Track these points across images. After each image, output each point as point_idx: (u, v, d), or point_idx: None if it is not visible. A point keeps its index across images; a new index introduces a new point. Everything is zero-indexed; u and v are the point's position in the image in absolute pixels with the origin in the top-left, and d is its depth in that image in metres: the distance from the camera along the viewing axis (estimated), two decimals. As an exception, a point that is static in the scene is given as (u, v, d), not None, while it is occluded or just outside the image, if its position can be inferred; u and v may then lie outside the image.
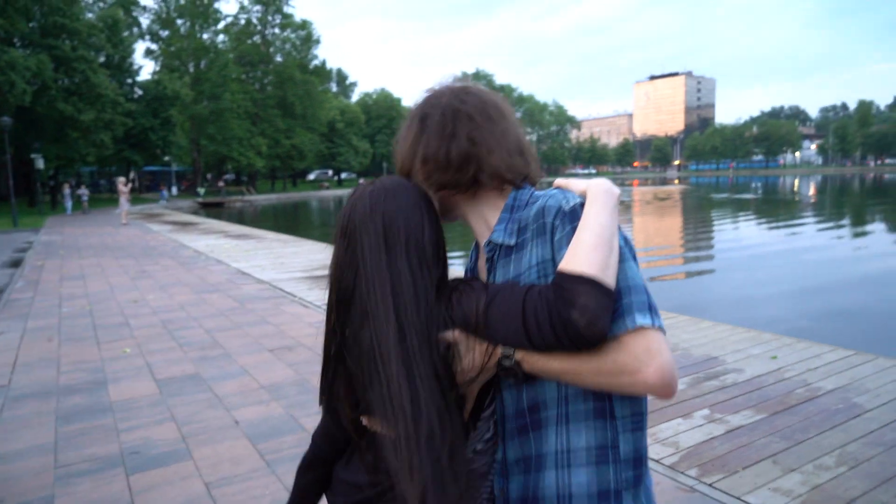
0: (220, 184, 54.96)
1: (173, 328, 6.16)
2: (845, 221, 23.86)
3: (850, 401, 3.77)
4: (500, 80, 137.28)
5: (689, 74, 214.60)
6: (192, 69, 51.91)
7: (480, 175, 1.10)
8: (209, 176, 62.95)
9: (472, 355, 1.01)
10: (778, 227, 21.84)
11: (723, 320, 6.00)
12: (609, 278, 0.93)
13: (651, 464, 3.04)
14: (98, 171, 49.40)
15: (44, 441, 3.49)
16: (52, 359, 5.17)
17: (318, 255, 11.80)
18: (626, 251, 0.99)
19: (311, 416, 3.73)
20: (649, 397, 1.00)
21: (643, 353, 0.90)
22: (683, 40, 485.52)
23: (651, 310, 0.94)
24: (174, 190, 52.22)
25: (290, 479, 2.14)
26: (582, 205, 1.02)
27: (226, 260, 11.45)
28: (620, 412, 1.01)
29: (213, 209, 40.82)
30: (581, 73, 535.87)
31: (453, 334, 1.01)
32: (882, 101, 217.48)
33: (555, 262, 0.99)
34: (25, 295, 8.30)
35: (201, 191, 49.98)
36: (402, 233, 1.06)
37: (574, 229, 0.98)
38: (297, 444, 3.35)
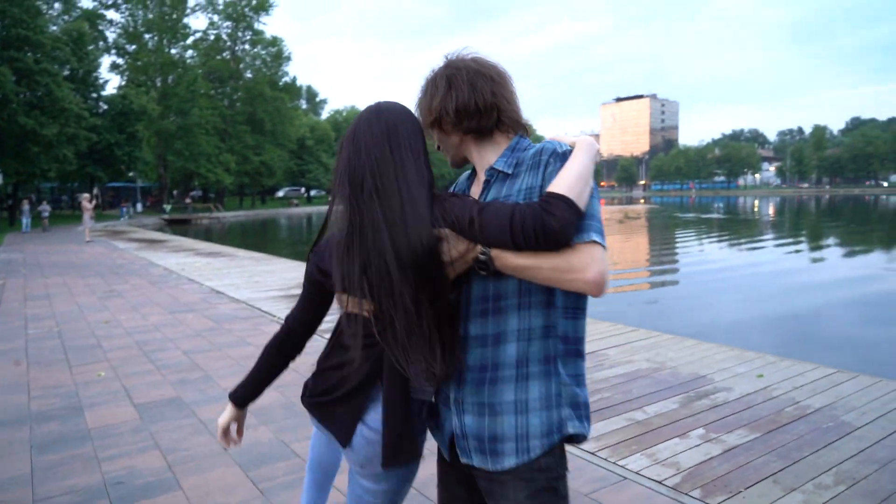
0: (187, 200, 53.95)
1: (149, 350, 5.95)
2: (806, 241, 24.60)
3: (838, 419, 3.83)
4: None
5: (653, 97, 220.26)
6: (159, 84, 51.11)
7: (501, 120, 1.41)
8: (175, 192, 61.79)
9: (457, 248, 1.29)
10: (746, 246, 22.38)
11: (691, 335, 6.07)
12: (581, 203, 1.24)
13: (654, 485, 3.02)
14: (59, 186, 47.97)
15: (19, 472, 3.30)
16: (21, 384, 4.94)
17: (292, 273, 11.61)
18: (594, 192, 1.30)
19: (302, 441, 3.62)
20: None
21: (590, 259, 1.23)
22: (649, 63, 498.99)
23: (601, 234, 1.27)
24: (139, 206, 51.04)
25: None
26: (571, 151, 1.33)
27: (198, 279, 11.17)
28: (561, 303, 1.33)
29: (179, 226, 40.01)
30: (549, 94, 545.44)
31: (445, 231, 1.29)
32: (835, 126, 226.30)
33: (541, 189, 1.29)
34: (-13, 315, 7.95)
35: (167, 207, 48.96)
36: (403, 135, 1.39)
37: (563, 167, 1.28)
38: (290, 471, 3.24)
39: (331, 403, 1.52)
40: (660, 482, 3.05)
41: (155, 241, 22.62)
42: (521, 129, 1.44)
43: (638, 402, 4.21)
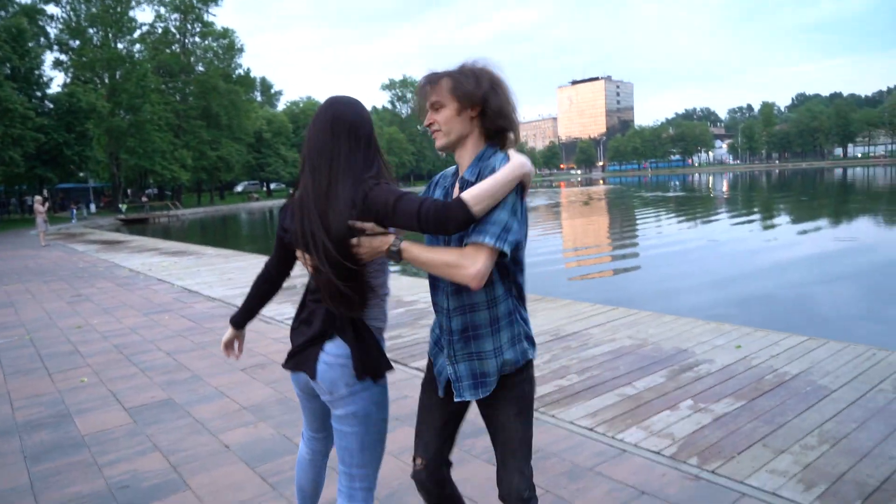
0: (143, 199, 52.46)
1: (130, 353, 5.85)
2: (758, 215, 25.45)
3: (815, 383, 4.04)
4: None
5: (608, 79, 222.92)
6: (106, 80, 49.31)
7: (510, 133, 1.80)
8: (129, 191, 59.97)
9: (371, 244, 1.65)
10: (704, 222, 23.03)
11: (662, 310, 6.29)
12: (477, 209, 1.57)
13: (653, 456, 3.15)
14: (6, 190, 46.00)
15: (17, 483, 3.24)
16: (0, 395, 4.80)
17: (265, 269, 11.46)
18: (514, 207, 1.63)
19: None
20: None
21: (474, 258, 1.59)
22: (602, 47, 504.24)
23: (499, 237, 1.59)
24: (92, 207, 49.39)
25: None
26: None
27: (167, 279, 10.95)
28: (512, 268, 1.79)
29: (136, 226, 38.95)
30: (507, 79, 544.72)
31: (368, 225, 1.63)
32: (782, 103, 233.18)
33: None
34: (-50, 327, 7.66)
35: (123, 207, 47.54)
36: (344, 126, 1.69)
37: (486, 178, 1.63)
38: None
39: (301, 351, 1.84)
40: (657, 453, 3.19)
41: (115, 242, 21.99)
42: (509, 143, 1.81)
43: (626, 377, 4.35)
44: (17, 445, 3.76)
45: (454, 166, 1.89)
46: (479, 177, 1.68)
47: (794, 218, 23.55)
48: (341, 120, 1.71)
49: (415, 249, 1.64)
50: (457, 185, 1.80)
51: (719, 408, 3.71)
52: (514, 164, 1.66)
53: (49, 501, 3.02)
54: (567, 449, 3.29)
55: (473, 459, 3.24)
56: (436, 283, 1.84)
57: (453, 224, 1.56)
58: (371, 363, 1.79)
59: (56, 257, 16.86)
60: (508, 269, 1.77)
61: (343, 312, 1.75)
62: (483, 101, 1.70)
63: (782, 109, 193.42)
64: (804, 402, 3.73)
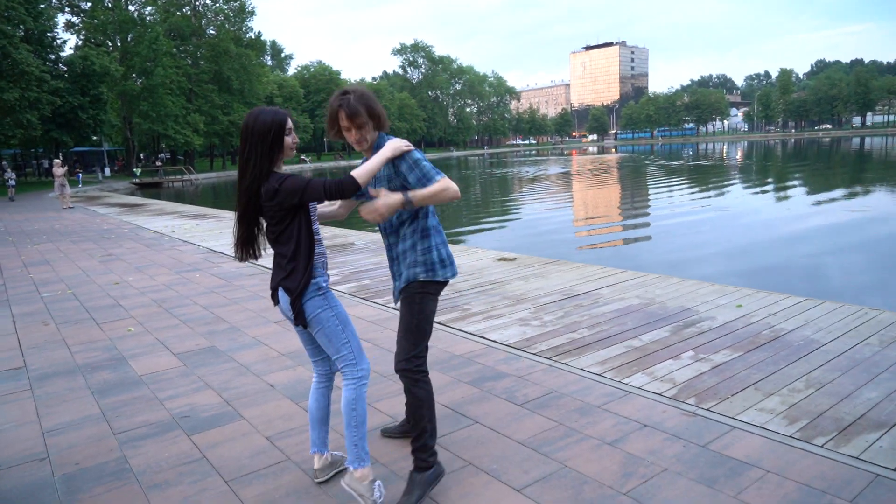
0: (157, 163, 52.85)
1: (169, 307, 6.27)
2: (771, 185, 25.46)
3: (808, 338, 4.38)
4: (438, 51, 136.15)
5: (622, 44, 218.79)
6: (119, 43, 49.27)
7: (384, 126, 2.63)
8: (143, 155, 60.36)
9: (390, 200, 2.43)
10: (716, 192, 23.13)
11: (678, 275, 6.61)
12: (361, 181, 2.34)
13: (655, 396, 3.52)
14: (23, 153, 46.52)
15: (90, 413, 3.67)
16: (57, 340, 5.25)
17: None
18: (424, 163, 2.50)
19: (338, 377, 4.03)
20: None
21: (450, 182, 2.46)
22: (617, 12, 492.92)
23: (440, 173, 2.48)
24: (107, 171, 49.89)
25: (342, 429, 2.80)
26: (417, 158, 2.51)
27: (192, 240, 11.38)
28: (421, 214, 2.64)
29: (150, 190, 39.43)
30: (518, 45, 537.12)
31: (382, 190, 2.47)
32: (801, 70, 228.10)
33: (388, 176, 2.58)
34: (-6, 282, 8.12)
35: (137, 171, 47.99)
36: (252, 132, 2.36)
37: (402, 158, 2.51)
38: (337, 400, 3.66)
39: (274, 292, 2.54)
40: (659, 394, 3.55)
41: (134, 205, 22.46)
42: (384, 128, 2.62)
43: (633, 332, 4.71)
44: (83, 382, 4.19)
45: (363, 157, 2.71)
46: (397, 166, 2.53)
47: (808, 188, 23.57)
48: (249, 129, 2.41)
49: (419, 193, 2.43)
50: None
51: (718, 358, 4.07)
52: (388, 147, 2.47)
53: (122, 427, 3.44)
54: (578, 391, 3.67)
55: (494, 398, 3.63)
56: (382, 228, 2.74)
57: (349, 192, 2.32)
58: (294, 287, 2.43)
59: (79, 219, 17.34)
60: (415, 212, 2.60)
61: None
62: (382, 117, 2.56)
63: (801, 77, 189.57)
64: (795, 353, 4.08)
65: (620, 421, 3.25)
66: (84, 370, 4.45)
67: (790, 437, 2.98)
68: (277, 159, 2.40)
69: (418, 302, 2.61)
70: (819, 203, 18.60)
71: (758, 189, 24.08)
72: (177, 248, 10.62)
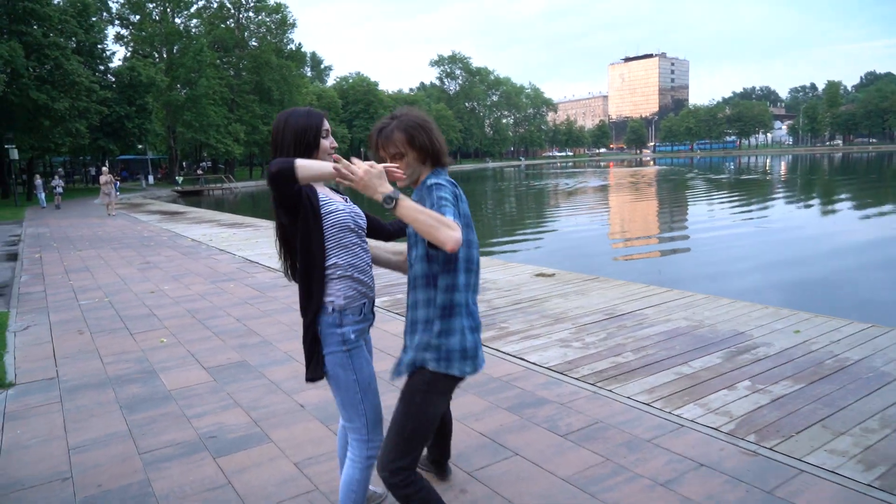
0: (199, 172, 54.09)
1: (202, 317, 6.22)
2: (817, 200, 24.53)
3: (878, 370, 4.03)
4: (476, 62, 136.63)
5: (662, 56, 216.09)
6: (164, 55, 50.73)
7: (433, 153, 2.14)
8: (185, 164, 61.87)
9: (373, 179, 1.90)
10: (758, 206, 22.38)
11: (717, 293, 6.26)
12: (299, 168, 1.92)
13: (711, 431, 3.25)
14: (71, 160, 48.11)
15: (116, 429, 3.57)
16: (90, 350, 5.22)
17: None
18: (446, 195, 1.94)
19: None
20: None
21: (454, 224, 1.84)
22: (656, 22, 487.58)
23: (456, 216, 1.89)
24: (150, 179, 51.23)
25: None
26: (433, 183, 2.00)
27: (229, 249, 11.43)
28: (441, 283, 2.05)
29: (191, 198, 40.26)
30: (556, 55, 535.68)
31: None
32: (849, 82, 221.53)
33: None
34: (36, 289, 8.24)
35: (179, 179, 49.15)
36: (284, 135, 2.12)
37: (428, 191, 1.99)
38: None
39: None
40: (715, 429, 3.28)
41: (174, 212, 22.89)
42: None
43: (682, 357, 4.42)
44: (112, 396, 4.11)
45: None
46: (423, 193, 2.02)
47: (858, 203, 22.64)
48: (280, 133, 2.16)
49: (411, 203, 1.84)
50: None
51: (777, 389, 3.76)
52: (357, 167, 1.90)
53: (148, 446, 3.33)
54: (625, 422, 3.42)
55: (534, 427, 3.40)
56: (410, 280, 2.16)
57: (278, 176, 1.92)
58: (312, 338, 2.11)
59: (122, 225, 17.71)
60: (433, 273, 2.05)
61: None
62: (429, 149, 2.08)
63: (849, 89, 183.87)
64: (865, 387, 3.74)
65: (674, 458, 2.99)
66: (114, 383, 4.38)
67: (868, 485, 2.68)
68: None
69: (419, 401, 2.07)
70: (869, 218, 17.79)
71: (804, 203, 23.24)
72: (213, 256, 10.67)
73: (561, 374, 4.22)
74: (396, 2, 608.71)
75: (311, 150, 2.11)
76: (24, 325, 6.22)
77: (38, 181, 29.02)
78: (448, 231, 1.80)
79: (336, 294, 2.11)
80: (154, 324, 6.06)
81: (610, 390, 3.88)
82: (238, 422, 3.61)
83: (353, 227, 2.17)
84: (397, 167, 2.00)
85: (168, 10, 51.63)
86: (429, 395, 2.07)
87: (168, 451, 3.26)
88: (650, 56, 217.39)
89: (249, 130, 56.91)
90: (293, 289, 7.49)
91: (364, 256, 2.20)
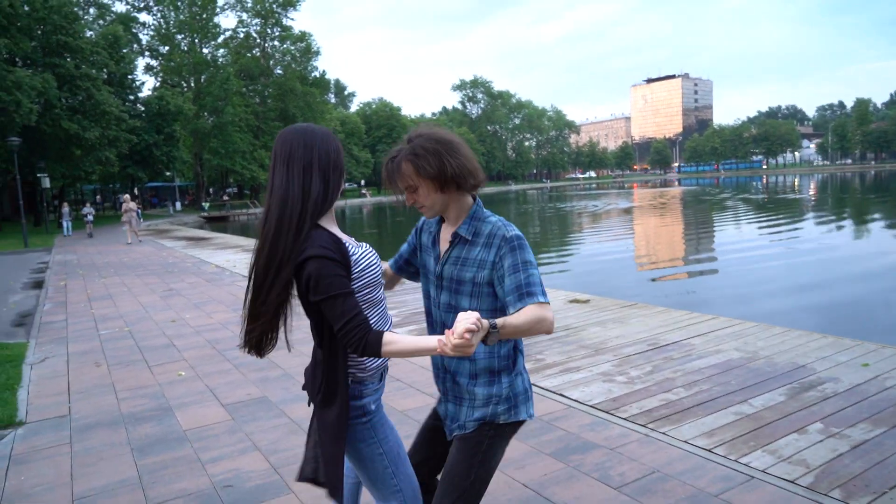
0: (224, 198, 54.86)
1: (222, 348, 5.98)
2: (848, 221, 23.72)
3: (967, 409, 3.59)
4: (498, 86, 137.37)
5: (685, 77, 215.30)
6: (192, 84, 51.89)
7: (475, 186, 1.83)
8: (211, 190, 62.81)
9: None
10: (787, 227, 21.68)
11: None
12: (387, 349, 1.55)
13: (786, 485, 2.85)
14: (101, 188, 49.14)
15: (126, 475, 3.30)
16: (106, 384, 4.99)
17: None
18: (534, 270, 1.70)
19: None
20: None
21: (548, 309, 1.65)
22: (678, 42, 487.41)
23: (545, 293, 1.69)
24: (178, 205, 52.00)
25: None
26: (513, 236, 1.73)
27: (252, 275, 11.25)
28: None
29: (217, 223, 40.68)
30: (577, 78, 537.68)
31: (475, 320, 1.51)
32: (879, 99, 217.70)
33: (492, 264, 1.73)
34: (57, 318, 8.11)
35: (206, 205, 49.85)
36: (294, 151, 1.62)
37: (511, 248, 1.71)
38: None
39: None
40: (791, 481, 2.88)
41: (200, 238, 22.98)
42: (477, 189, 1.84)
43: (740, 394, 4.02)
44: (125, 437, 3.85)
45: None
46: (477, 236, 1.78)
47: (889, 223, 21.81)
48: (291, 151, 1.66)
49: (510, 321, 1.58)
50: (446, 239, 1.87)
51: (856, 434, 3.34)
52: (458, 326, 1.44)
53: (157, 496, 3.04)
54: (686, 472, 3.04)
55: (583, 476, 3.04)
56: (432, 322, 1.94)
57: (362, 353, 1.55)
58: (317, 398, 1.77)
59: (147, 252, 17.75)
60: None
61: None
62: (447, 175, 1.74)
63: (879, 106, 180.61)
64: (958, 431, 3.31)
65: (749, 519, 2.60)
66: (128, 421, 4.12)
67: None
68: (328, 203, 1.67)
69: (485, 450, 1.82)
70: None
71: (842, 224, 22.46)
72: (236, 283, 10.50)
73: (607, 412, 3.85)
74: (424, 28, 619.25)
75: (334, 185, 1.68)
76: (42, 356, 6.04)
77: (65, 209, 28.86)
78: (549, 322, 1.63)
79: (357, 365, 1.74)
80: (173, 355, 5.83)
81: (664, 433, 3.50)
82: (256, 468, 3.31)
83: (381, 280, 1.81)
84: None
85: (196, 40, 52.94)
86: (496, 441, 1.85)
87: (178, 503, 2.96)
88: (673, 77, 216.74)
89: (274, 156, 57.64)
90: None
91: (388, 313, 1.84)
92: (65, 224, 27.95)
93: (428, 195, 1.78)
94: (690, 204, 39.02)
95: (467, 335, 1.41)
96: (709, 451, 3.24)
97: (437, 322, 1.92)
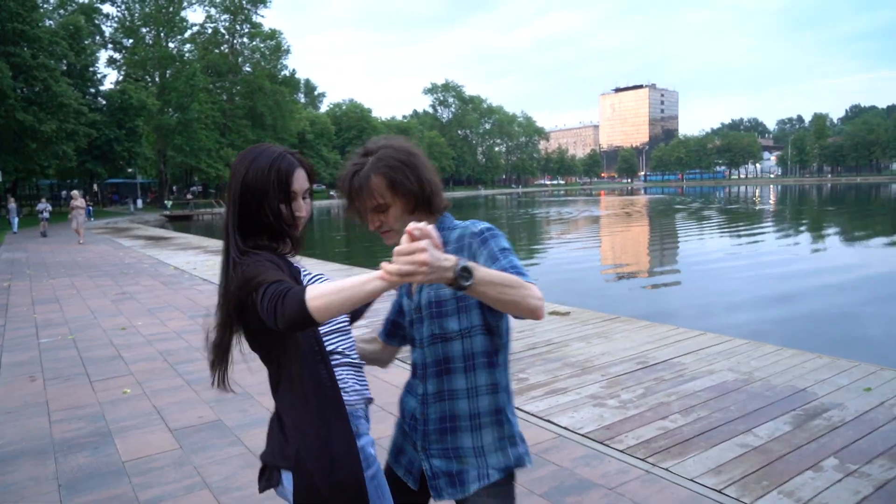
0: (189, 196, 53.45)
1: (175, 361, 5.45)
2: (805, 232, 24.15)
3: (985, 442, 3.34)
4: (469, 91, 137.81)
5: (652, 87, 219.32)
6: (157, 79, 50.43)
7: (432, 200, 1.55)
8: (175, 188, 61.14)
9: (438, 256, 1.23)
10: (747, 237, 21.91)
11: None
12: (316, 304, 1.13)
13: (812, 536, 2.53)
14: (59, 183, 47.32)
15: (49, 521, 2.81)
16: (39, 403, 4.44)
17: (316, 270, 11.09)
18: (512, 255, 1.43)
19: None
20: None
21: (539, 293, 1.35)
22: (646, 53, 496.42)
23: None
24: (139, 203, 50.40)
25: None
26: (483, 228, 1.48)
27: (213, 278, 10.65)
28: (501, 360, 1.55)
29: (181, 222, 39.47)
30: (547, 85, 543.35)
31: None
32: (835, 114, 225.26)
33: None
34: (-5, 322, 7.44)
35: (168, 203, 48.43)
36: (242, 184, 1.46)
37: (482, 241, 1.46)
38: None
39: None
40: (816, 530, 2.56)
41: (160, 238, 22.10)
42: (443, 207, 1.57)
43: (742, 422, 3.71)
44: (52, 470, 3.34)
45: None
46: (445, 243, 1.37)
47: (843, 235, 22.21)
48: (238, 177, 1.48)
49: (487, 272, 1.24)
50: None
51: (875, 472, 3.05)
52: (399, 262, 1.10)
53: (83, 550, 2.57)
54: (697, 517, 2.69)
55: (583, 525, 2.67)
56: (415, 363, 1.60)
57: (289, 316, 1.16)
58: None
59: (102, 251, 16.89)
60: (496, 348, 1.54)
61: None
62: (426, 192, 1.51)
63: (835, 121, 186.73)
64: (983, 469, 3.04)
65: (776, 580, 2.26)
66: (59, 449, 3.60)
67: None
68: (279, 234, 1.47)
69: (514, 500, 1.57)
70: (855, 249, 17.29)
71: (791, 237, 22.79)
72: (195, 287, 9.90)
73: (601, 443, 3.49)
74: (396, 31, 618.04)
75: (274, 214, 1.45)
76: (-30, 368, 5.42)
77: (12, 205, 26.54)
78: (536, 297, 1.31)
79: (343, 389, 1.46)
80: (119, 369, 5.28)
81: (667, 469, 3.15)
82: (204, 512, 2.86)
83: (349, 330, 1.63)
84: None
85: (162, 34, 51.51)
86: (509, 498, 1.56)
87: (108, 560, 2.49)
88: (640, 87, 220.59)
89: (241, 155, 56.50)
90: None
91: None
92: (12, 221, 26.21)
93: (399, 217, 1.51)
94: (663, 213, 39.39)
95: (419, 244, 1.08)
96: (719, 492, 2.91)
97: (427, 364, 1.56)
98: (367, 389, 1.54)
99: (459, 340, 1.50)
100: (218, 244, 16.84)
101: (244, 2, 58.57)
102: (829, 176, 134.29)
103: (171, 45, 52.53)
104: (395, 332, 1.75)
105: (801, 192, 72.20)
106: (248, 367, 4.93)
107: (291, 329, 1.17)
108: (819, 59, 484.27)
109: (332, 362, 1.45)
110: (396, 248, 1.11)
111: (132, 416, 4.14)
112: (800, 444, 3.40)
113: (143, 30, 51.15)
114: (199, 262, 13.27)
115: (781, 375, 4.56)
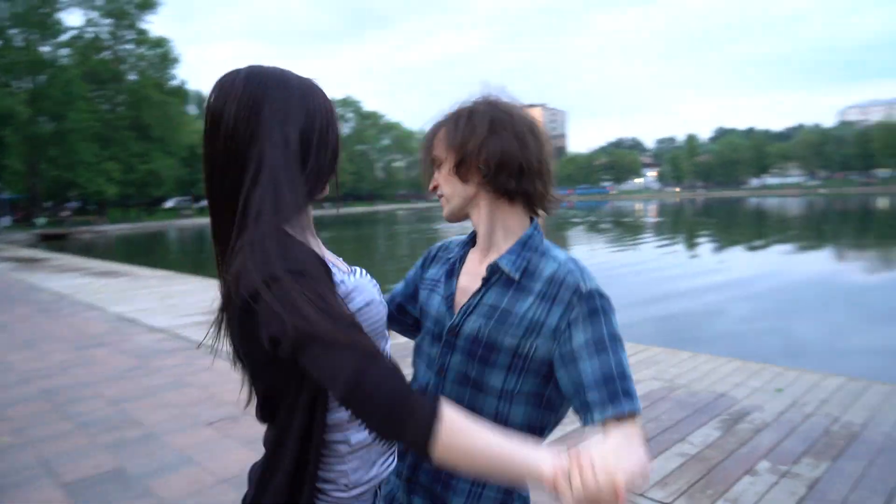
0: (65, 213, 49.09)
1: (62, 401, 4.81)
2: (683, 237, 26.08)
3: (891, 436, 3.58)
4: (367, 106, 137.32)
5: (543, 106, 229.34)
6: (29, 85, 46.10)
7: (530, 192, 1.18)
8: (49, 204, 55.92)
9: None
10: (630, 247, 23.27)
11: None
12: (447, 444, 0.82)
13: (763, 544, 2.55)
14: None
15: None
16: None
17: (212, 292, 10.37)
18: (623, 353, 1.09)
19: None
20: None
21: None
22: (538, 75, 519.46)
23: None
24: (7, 220, 45.58)
25: None
26: (595, 291, 1.09)
27: (98, 303, 9.69)
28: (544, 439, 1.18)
29: (56, 241, 36.05)
30: (444, 103, 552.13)
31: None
32: (704, 135, 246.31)
33: (553, 332, 1.07)
34: None
35: (40, 220, 44.19)
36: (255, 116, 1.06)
37: (591, 312, 1.06)
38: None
39: None
40: (765, 538, 2.59)
41: (32, 259, 20.01)
42: (543, 209, 1.23)
43: (676, 431, 3.77)
44: (-89, 544, 2.77)
45: (460, 236, 1.35)
46: (528, 277, 1.13)
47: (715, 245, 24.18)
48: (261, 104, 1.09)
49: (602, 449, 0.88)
50: (477, 267, 1.22)
51: (805, 471, 3.17)
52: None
53: None
54: (652, 535, 2.65)
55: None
56: (422, 384, 1.29)
57: (407, 429, 0.81)
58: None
59: (-37, 277, 14.98)
60: (542, 424, 1.22)
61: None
62: (479, 151, 1.14)
63: (704, 141, 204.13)
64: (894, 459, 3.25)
65: None
66: (-82, 517, 3.02)
67: None
68: (306, 200, 1.00)
69: None
70: (723, 259, 18.86)
71: (668, 246, 24.48)
72: (79, 313, 8.94)
73: (544, 463, 3.41)
74: (291, 45, 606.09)
75: (322, 169, 1.03)
76: None
77: None
78: (644, 458, 0.93)
79: (336, 471, 1.02)
80: (-8, 413, 4.58)
81: (613, 485, 3.11)
82: (113, 580, 2.45)
83: (385, 326, 1.13)
84: None
85: (34, 37, 47.21)
86: None
87: None
88: (533, 106, 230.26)
89: (125, 169, 52.70)
90: (182, 355, 6.22)
91: None
92: None
93: (452, 183, 1.20)
94: (565, 226, 40.95)
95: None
96: (668, 505, 2.90)
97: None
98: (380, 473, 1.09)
99: (495, 400, 1.14)
100: (104, 265, 15.40)
101: (129, 6, 54.99)
102: (701, 191, 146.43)
103: (45, 48, 48.26)
104: (399, 317, 1.39)
105: (676, 206, 77.97)
106: (153, 402, 4.44)
107: (385, 439, 0.86)
108: (690, 83, 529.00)
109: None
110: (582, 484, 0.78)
111: (12, 471, 3.56)
112: (732, 448, 3.49)
113: (12, 31, 46.58)
114: (81, 286, 12.05)
115: (701, 381, 4.72)
